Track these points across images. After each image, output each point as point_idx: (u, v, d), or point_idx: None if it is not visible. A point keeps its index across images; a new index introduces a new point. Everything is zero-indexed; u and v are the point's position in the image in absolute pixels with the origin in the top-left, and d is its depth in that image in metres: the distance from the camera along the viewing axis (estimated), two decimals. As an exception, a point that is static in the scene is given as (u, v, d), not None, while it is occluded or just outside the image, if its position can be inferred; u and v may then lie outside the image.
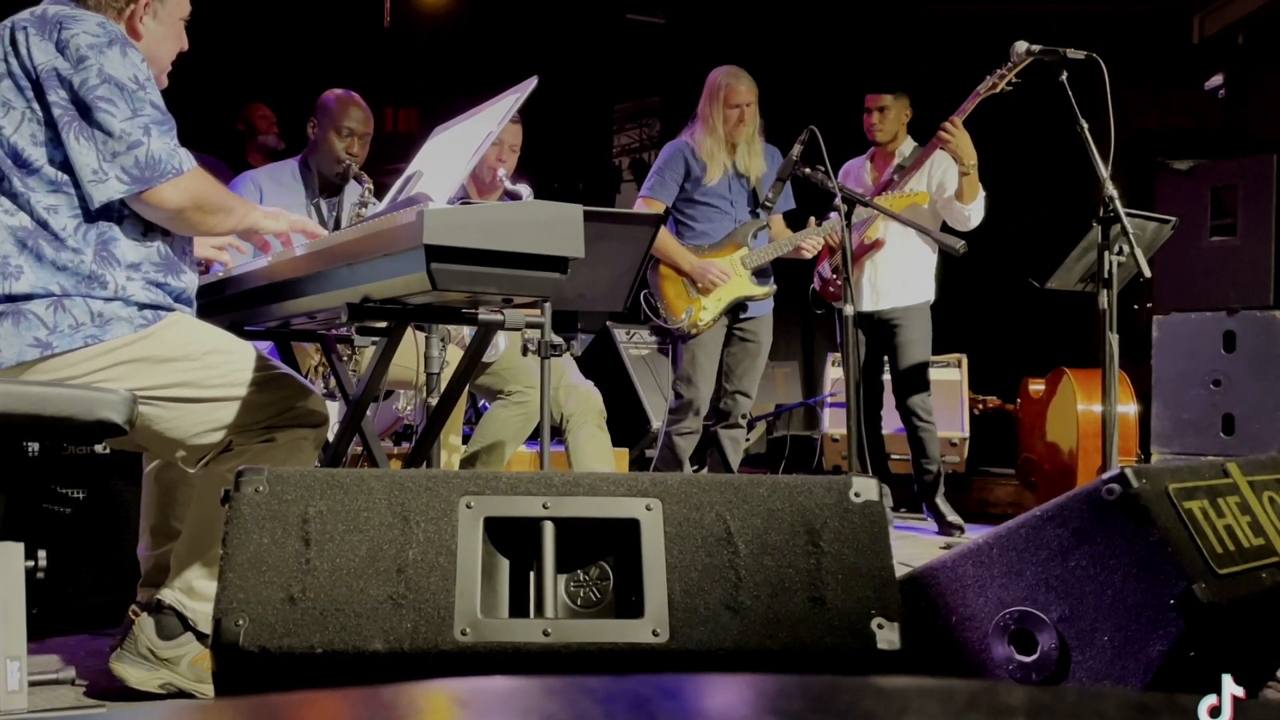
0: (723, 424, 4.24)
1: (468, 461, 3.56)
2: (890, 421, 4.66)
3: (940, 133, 4.06)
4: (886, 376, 4.66)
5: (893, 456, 4.83)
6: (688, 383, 4.12)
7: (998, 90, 3.73)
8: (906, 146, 4.47)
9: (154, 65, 2.11)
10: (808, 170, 3.50)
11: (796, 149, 3.47)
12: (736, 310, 4.15)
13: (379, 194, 3.12)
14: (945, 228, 4.33)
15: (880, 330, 4.46)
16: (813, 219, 4.13)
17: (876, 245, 4.35)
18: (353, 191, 3.41)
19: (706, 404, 4.17)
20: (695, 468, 4.63)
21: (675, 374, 4.20)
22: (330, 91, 3.49)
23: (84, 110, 1.96)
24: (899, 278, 4.42)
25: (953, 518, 4.47)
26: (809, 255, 4.14)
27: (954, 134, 4.03)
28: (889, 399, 4.64)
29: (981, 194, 4.22)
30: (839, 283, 4.33)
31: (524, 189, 3.40)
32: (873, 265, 4.40)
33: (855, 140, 4.62)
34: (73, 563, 2.70)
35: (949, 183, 4.31)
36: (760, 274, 4.15)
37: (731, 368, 4.19)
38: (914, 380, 4.44)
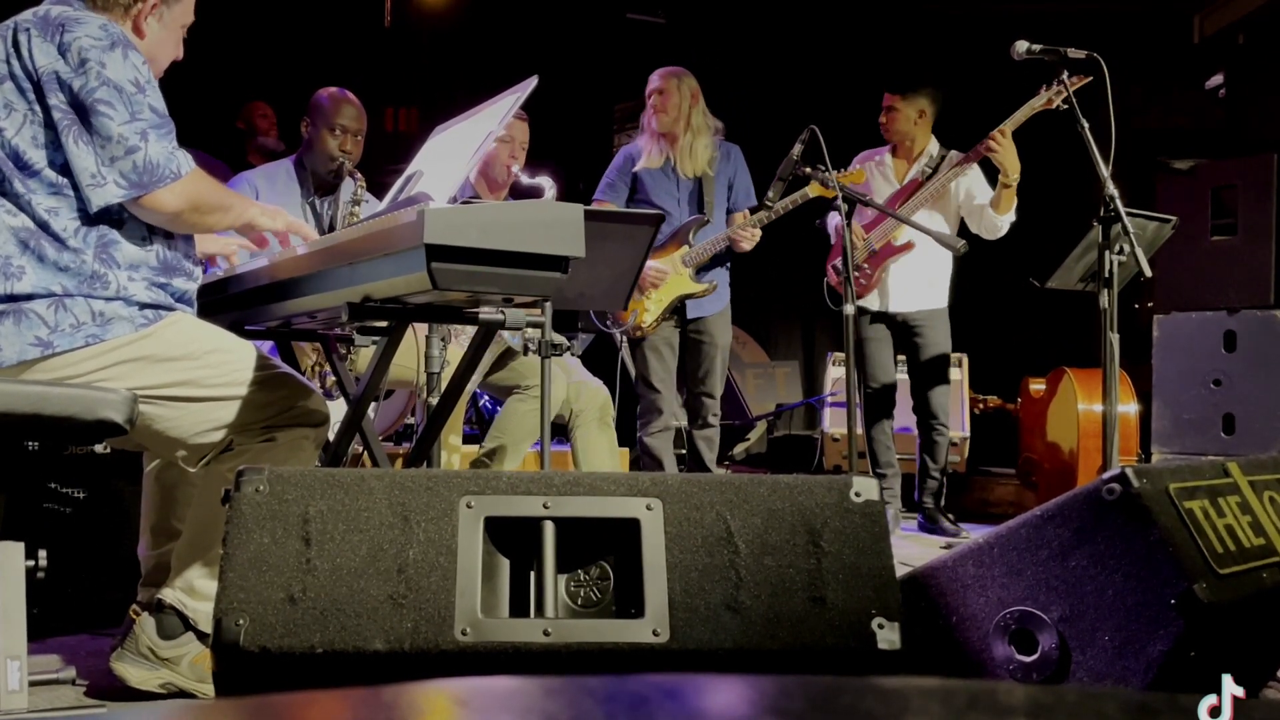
0: (694, 426, 4.26)
1: (488, 456, 3.53)
2: (896, 421, 4.65)
3: (988, 142, 4.03)
4: (900, 376, 4.65)
5: (899, 456, 4.82)
6: (647, 385, 4.15)
7: (1053, 106, 3.66)
8: (933, 145, 4.45)
9: (150, 67, 2.11)
10: (808, 170, 3.49)
11: (797, 149, 3.46)
12: (683, 312, 4.15)
13: (379, 194, 3.11)
14: (964, 230, 4.32)
15: (901, 331, 4.46)
16: (747, 210, 4.09)
17: (907, 247, 4.33)
18: (347, 189, 3.39)
19: (671, 402, 4.19)
20: (683, 469, 4.62)
21: (633, 379, 4.22)
22: (323, 90, 3.47)
23: (83, 113, 1.96)
24: (924, 281, 4.40)
25: (948, 526, 4.47)
26: (746, 247, 4.05)
27: (1001, 144, 4.00)
28: (900, 399, 4.63)
29: (1015, 204, 4.18)
30: (859, 280, 4.32)
31: (545, 181, 3.37)
32: (899, 267, 4.38)
33: (855, 140, 4.62)
34: (73, 563, 2.69)
35: (977, 189, 4.30)
36: (702, 271, 4.13)
37: (691, 371, 4.21)
38: (935, 383, 4.44)
